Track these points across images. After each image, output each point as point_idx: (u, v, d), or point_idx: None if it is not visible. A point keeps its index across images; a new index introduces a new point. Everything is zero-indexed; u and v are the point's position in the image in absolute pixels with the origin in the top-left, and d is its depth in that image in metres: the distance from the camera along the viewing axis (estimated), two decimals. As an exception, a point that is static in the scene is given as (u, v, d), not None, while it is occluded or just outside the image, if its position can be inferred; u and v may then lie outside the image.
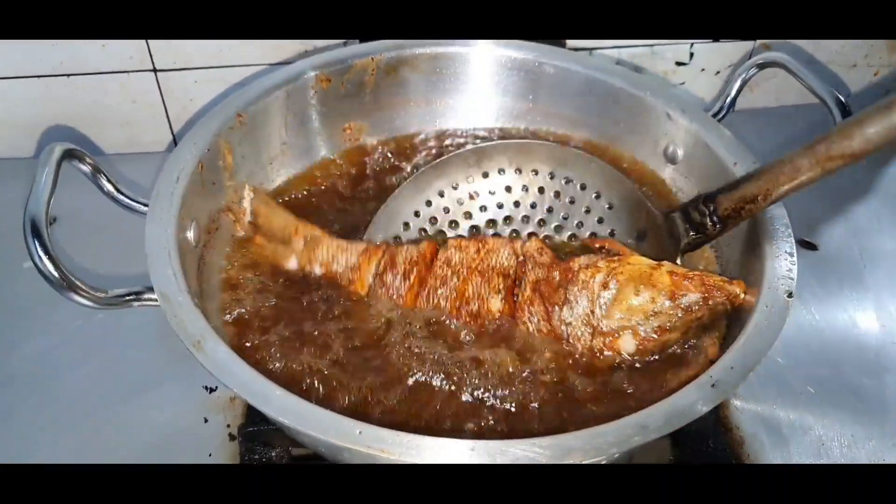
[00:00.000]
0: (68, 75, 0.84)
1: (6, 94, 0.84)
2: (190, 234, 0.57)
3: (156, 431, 0.62)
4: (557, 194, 0.67)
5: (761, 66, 0.66)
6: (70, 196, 0.54)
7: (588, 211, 0.67)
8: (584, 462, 0.41)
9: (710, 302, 0.53)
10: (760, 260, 0.54)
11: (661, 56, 0.93)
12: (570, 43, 0.87)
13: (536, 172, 0.67)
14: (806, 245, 0.79)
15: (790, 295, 0.50)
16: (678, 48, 0.93)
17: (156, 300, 0.49)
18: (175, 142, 0.90)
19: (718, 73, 0.95)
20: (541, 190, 0.67)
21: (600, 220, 0.66)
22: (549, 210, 0.67)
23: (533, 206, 0.67)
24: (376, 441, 0.41)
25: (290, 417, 0.42)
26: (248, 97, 0.66)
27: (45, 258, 0.45)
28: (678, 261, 0.61)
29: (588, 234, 0.67)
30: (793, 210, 0.79)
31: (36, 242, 0.45)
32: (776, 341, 0.48)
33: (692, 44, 0.92)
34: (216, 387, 0.66)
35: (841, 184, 0.85)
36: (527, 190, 0.67)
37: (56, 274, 0.45)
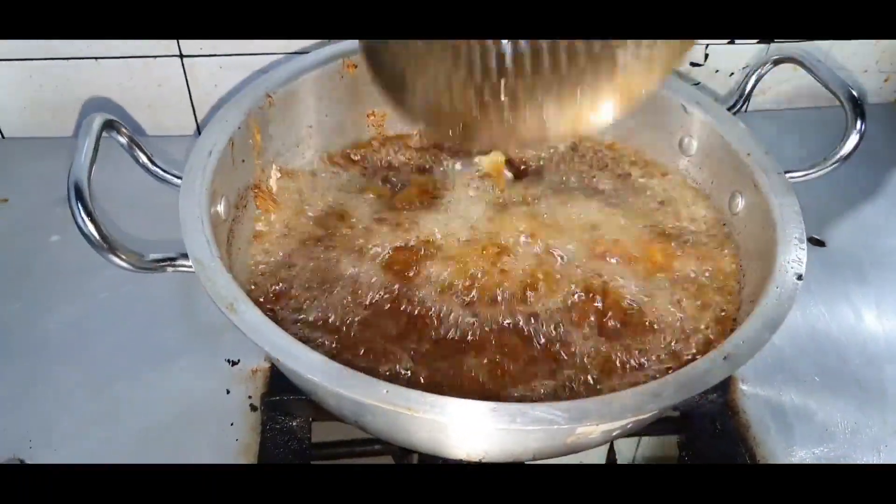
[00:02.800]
0: (97, 58, 0.85)
1: (36, 76, 0.86)
2: (220, 208, 0.59)
3: (179, 401, 0.64)
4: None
5: (777, 62, 0.67)
6: (107, 172, 0.56)
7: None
8: (599, 426, 0.43)
9: None
10: (772, 246, 0.56)
11: (675, 56, 0.95)
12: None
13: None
14: (815, 242, 0.81)
15: (799, 277, 0.52)
16: (693, 49, 0.94)
17: (189, 266, 0.51)
18: (198, 126, 0.92)
19: (732, 74, 0.96)
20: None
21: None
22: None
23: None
24: (402, 399, 0.43)
25: (319, 375, 0.44)
26: (279, 79, 0.67)
27: (87, 221, 0.47)
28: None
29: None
30: (804, 208, 0.81)
31: (79, 205, 0.47)
32: (783, 323, 0.50)
33: (707, 45, 0.94)
34: (238, 360, 0.67)
35: (850, 183, 0.87)
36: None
37: (98, 236, 0.47)
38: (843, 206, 0.85)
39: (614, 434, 0.49)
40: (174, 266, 0.51)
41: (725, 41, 0.93)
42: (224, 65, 0.87)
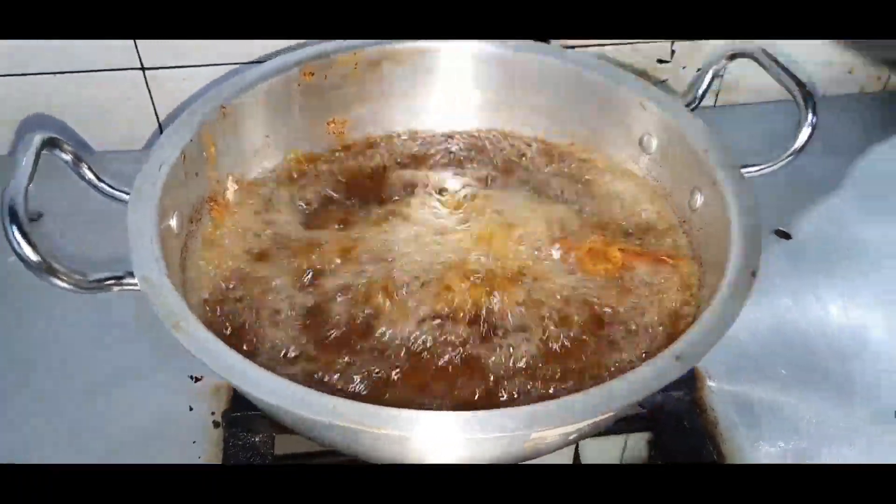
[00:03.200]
0: (55, 73, 0.85)
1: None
2: (173, 223, 0.58)
3: (143, 418, 0.63)
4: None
5: (732, 58, 0.67)
6: (57, 192, 0.55)
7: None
8: (554, 430, 0.42)
9: None
10: (728, 242, 0.56)
11: (642, 53, 0.95)
12: (553, 42, 0.89)
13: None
14: (781, 234, 0.81)
15: (754, 273, 0.52)
16: (660, 46, 0.94)
17: (136, 284, 0.50)
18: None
19: (699, 69, 0.97)
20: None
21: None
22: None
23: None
24: (354, 416, 0.42)
25: (265, 392, 0.43)
26: (232, 90, 0.67)
27: (23, 242, 0.46)
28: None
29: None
30: (769, 201, 0.81)
31: (14, 227, 0.46)
32: (737, 320, 0.49)
33: (673, 42, 0.94)
34: (201, 377, 0.67)
35: (815, 176, 0.87)
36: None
37: (35, 258, 0.46)
38: (809, 199, 0.85)
39: (572, 437, 0.48)
40: (120, 285, 0.50)
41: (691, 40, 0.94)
42: (187, 76, 0.87)
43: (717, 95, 1.01)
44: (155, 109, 0.89)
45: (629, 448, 0.67)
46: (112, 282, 0.50)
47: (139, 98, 0.87)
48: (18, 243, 0.45)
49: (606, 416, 0.46)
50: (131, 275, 0.50)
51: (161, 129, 0.90)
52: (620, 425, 0.66)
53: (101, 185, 0.57)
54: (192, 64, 0.85)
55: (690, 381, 0.66)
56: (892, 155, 0.92)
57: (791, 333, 0.70)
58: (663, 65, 0.96)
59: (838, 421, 0.64)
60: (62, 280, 0.47)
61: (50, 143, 0.53)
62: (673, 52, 0.95)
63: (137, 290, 0.50)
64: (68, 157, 0.55)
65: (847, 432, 0.63)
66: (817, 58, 0.99)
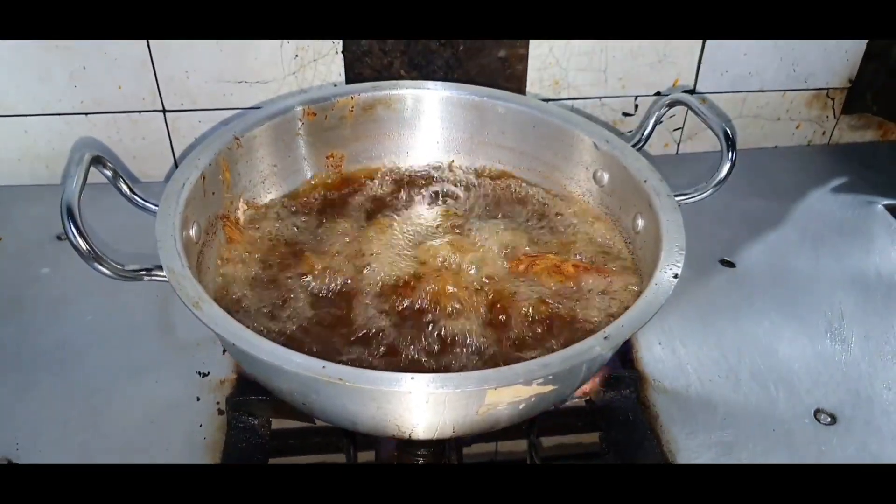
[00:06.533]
0: (87, 114, 0.96)
1: (31, 130, 0.95)
2: (192, 233, 0.68)
3: (155, 405, 0.72)
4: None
5: (670, 105, 0.79)
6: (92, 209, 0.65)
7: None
8: (500, 390, 0.52)
9: None
10: (658, 252, 0.66)
11: (609, 107, 1.06)
12: (530, 91, 1.01)
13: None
14: (726, 263, 0.91)
15: (675, 276, 0.62)
16: (624, 100, 1.06)
17: (163, 276, 0.60)
18: (178, 173, 1.02)
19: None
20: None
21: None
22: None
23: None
24: (336, 374, 0.52)
25: (271, 357, 0.53)
26: (246, 124, 0.78)
27: (77, 236, 0.56)
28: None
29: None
30: (716, 234, 0.92)
31: (71, 223, 0.56)
32: (657, 310, 0.59)
33: (636, 97, 1.06)
34: (208, 372, 0.76)
35: (759, 213, 0.99)
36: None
37: (86, 248, 0.57)
38: (752, 233, 0.96)
39: (521, 407, 0.57)
40: (150, 275, 0.60)
41: (653, 94, 1.06)
42: (203, 119, 0.98)
43: (678, 145, 1.13)
44: (172, 147, 1.00)
45: (583, 444, 0.76)
46: (144, 272, 0.60)
47: (158, 137, 0.98)
48: (74, 236, 0.56)
49: (549, 386, 0.55)
50: (159, 268, 0.60)
51: (176, 164, 1.01)
52: (573, 423, 0.76)
53: (135, 197, 0.67)
54: (207, 108, 0.96)
55: (637, 382, 0.75)
56: (828, 198, 1.04)
57: (729, 348, 0.80)
58: (628, 117, 1.08)
59: (764, 417, 0.73)
60: (106, 267, 0.57)
61: (96, 160, 0.63)
62: (636, 106, 1.07)
63: (164, 281, 0.60)
64: (109, 173, 0.66)
65: (770, 425, 0.72)
66: (768, 112, 1.11)
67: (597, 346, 0.55)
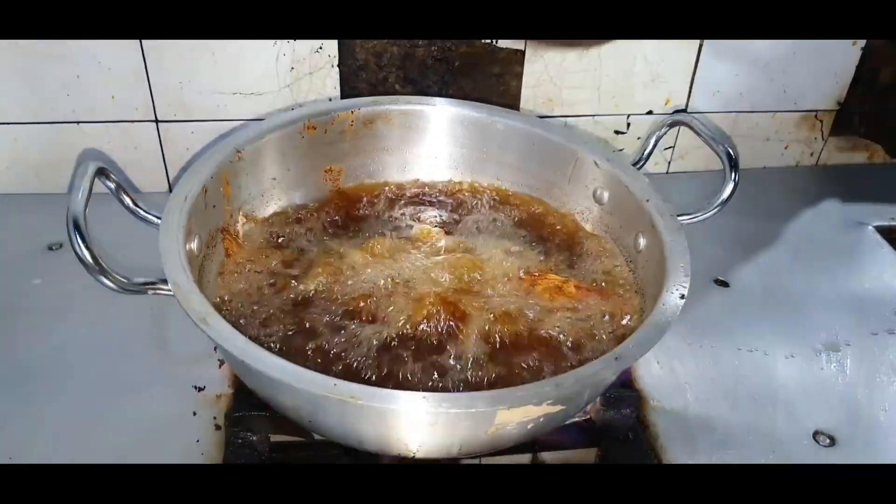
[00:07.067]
0: (78, 122, 0.94)
1: (21, 138, 0.94)
2: (194, 245, 0.68)
3: (151, 421, 0.70)
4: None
5: (672, 125, 0.80)
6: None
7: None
8: (511, 410, 0.52)
9: None
10: (664, 274, 0.66)
11: (602, 125, 1.07)
12: (524, 108, 1.02)
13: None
14: (720, 283, 0.92)
15: (682, 297, 0.62)
16: (617, 119, 1.07)
17: (168, 290, 0.59)
18: (170, 185, 1.01)
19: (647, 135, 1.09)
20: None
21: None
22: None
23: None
24: (348, 392, 0.51)
25: (276, 372, 0.52)
26: (247, 137, 0.77)
27: (83, 248, 0.55)
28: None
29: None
30: (709, 253, 0.93)
31: (77, 235, 0.55)
32: (667, 332, 0.59)
33: (629, 115, 1.07)
34: (204, 386, 0.74)
35: (751, 233, 1.00)
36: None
37: (92, 261, 0.56)
38: (745, 254, 0.97)
39: (529, 427, 0.57)
40: (155, 289, 0.59)
41: (645, 112, 1.07)
42: (196, 130, 0.97)
43: (669, 164, 1.14)
44: (164, 157, 0.98)
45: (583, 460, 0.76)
46: (149, 285, 0.59)
47: (150, 147, 0.97)
48: (81, 249, 0.55)
49: (558, 406, 0.55)
50: (163, 281, 0.59)
51: (168, 175, 0.99)
52: (574, 439, 0.76)
53: (137, 209, 0.67)
54: (200, 118, 0.95)
55: (636, 402, 0.75)
56: (819, 219, 1.05)
57: (726, 367, 0.80)
58: (620, 135, 1.09)
59: (763, 436, 0.73)
60: (111, 280, 0.56)
61: (100, 172, 0.62)
62: (629, 124, 1.08)
63: (168, 295, 0.59)
64: (112, 185, 0.65)
65: (769, 445, 0.72)
66: (758, 133, 1.12)
67: (608, 368, 0.55)
